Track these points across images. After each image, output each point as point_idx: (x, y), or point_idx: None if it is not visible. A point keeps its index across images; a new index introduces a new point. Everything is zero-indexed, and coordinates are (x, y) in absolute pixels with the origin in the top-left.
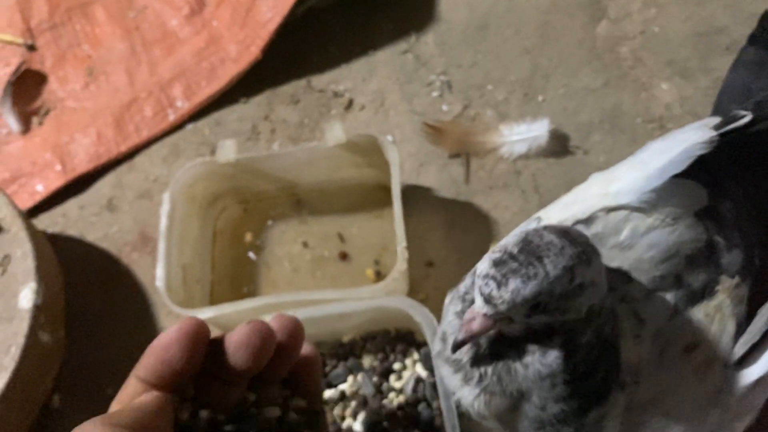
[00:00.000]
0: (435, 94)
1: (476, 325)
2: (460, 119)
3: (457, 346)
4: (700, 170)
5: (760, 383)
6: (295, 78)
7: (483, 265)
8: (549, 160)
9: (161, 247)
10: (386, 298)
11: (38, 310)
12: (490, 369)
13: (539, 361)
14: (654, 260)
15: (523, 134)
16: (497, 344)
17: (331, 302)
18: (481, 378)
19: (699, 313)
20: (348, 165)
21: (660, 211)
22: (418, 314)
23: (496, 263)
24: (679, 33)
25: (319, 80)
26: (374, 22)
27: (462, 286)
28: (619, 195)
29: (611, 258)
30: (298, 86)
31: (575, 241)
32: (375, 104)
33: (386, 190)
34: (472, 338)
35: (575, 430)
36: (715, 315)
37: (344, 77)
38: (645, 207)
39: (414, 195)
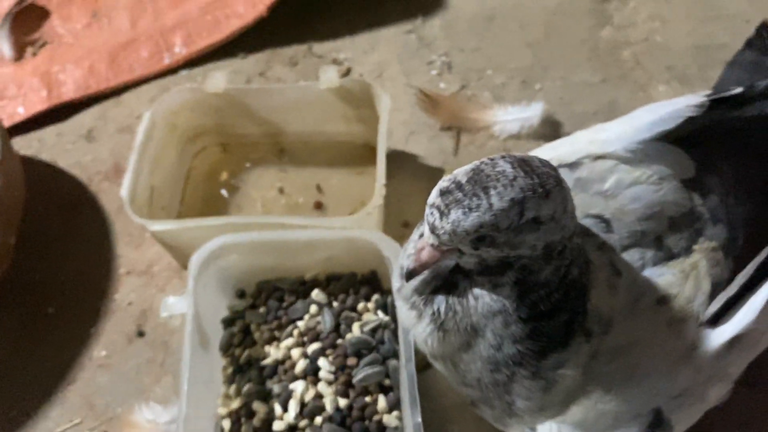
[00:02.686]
0: (434, 72)
1: (425, 255)
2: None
3: (408, 276)
4: (691, 146)
5: (735, 345)
6: (297, 42)
7: (432, 194)
8: (539, 142)
9: (133, 158)
10: (356, 230)
11: None
12: (443, 304)
13: (488, 295)
14: (636, 213)
15: (516, 115)
16: (453, 278)
17: (301, 229)
18: (434, 314)
19: (675, 268)
20: (337, 116)
21: (647, 167)
22: (388, 248)
23: (443, 192)
24: (681, 44)
25: (321, 47)
26: (383, 0)
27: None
28: (607, 143)
29: (593, 204)
30: (298, 50)
31: (532, 172)
32: (373, 75)
33: (372, 150)
34: (422, 268)
35: (532, 375)
36: (690, 272)
37: (346, 47)
38: (632, 158)
39: (400, 160)
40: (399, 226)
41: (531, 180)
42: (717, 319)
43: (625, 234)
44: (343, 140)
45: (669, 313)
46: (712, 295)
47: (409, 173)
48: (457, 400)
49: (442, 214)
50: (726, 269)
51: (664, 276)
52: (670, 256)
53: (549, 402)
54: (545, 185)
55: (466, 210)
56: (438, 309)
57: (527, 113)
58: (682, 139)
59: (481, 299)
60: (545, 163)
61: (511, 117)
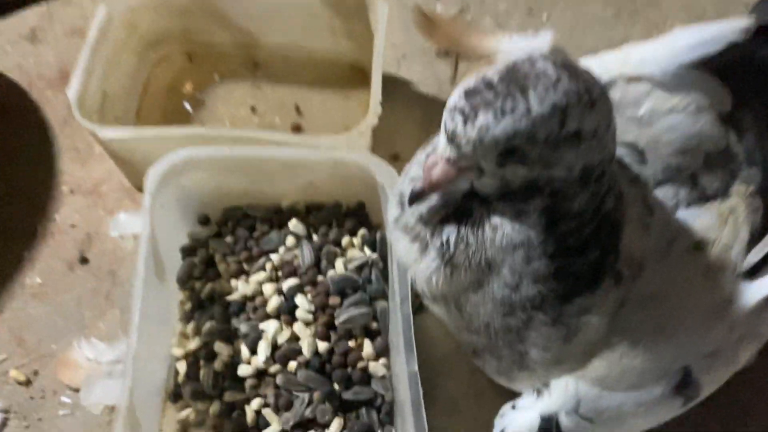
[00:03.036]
0: None
1: (438, 173)
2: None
3: (412, 199)
4: (724, 80)
5: None
6: None
7: (453, 96)
8: None
9: (84, 56)
10: (345, 151)
11: None
12: (454, 235)
13: (510, 225)
14: (673, 146)
15: (522, 44)
16: (466, 205)
17: (279, 147)
18: (443, 246)
19: (712, 211)
20: (323, 29)
21: (685, 95)
22: (383, 174)
23: (469, 92)
24: None
25: None
26: None
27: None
28: (642, 63)
29: (627, 131)
30: None
31: (578, 76)
32: None
33: (361, 72)
34: (432, 189)
35: (552, 321)
36: (728, 217)
37: None
38: (669, 83)
39: (391, 86)
40: (388, 158)
41: (576, 84)
42: (755, 272)
43: (660, 168)
44: (328, 57)
45: (705, 260)
46: (750, 245)
47: (401, 102)
48: (449, 350)
49: (466, 119)
50: (763, 217)
51: (700, 218)
52: (704, 197)
53: (568, 353)
54: (591, 93)
55: (498, 113)
56: (447, 240)
57: (534, 43)
58: (713, 71)
59: (501, 229)
60: (590, 71)
61: (516, 45)
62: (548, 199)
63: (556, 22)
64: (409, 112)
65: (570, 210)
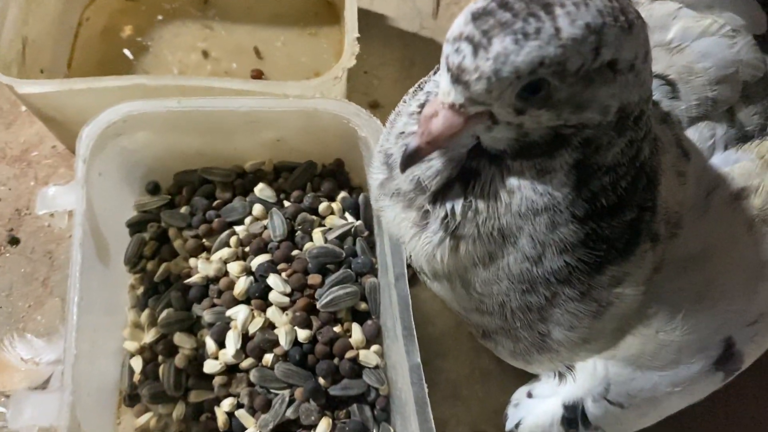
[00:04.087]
0: None
1: (439, 124)
2: None
3: (409, 159)
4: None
5: None
6: None
7: (457, 22)
8: None
9: None
10: (318, 100)
11: None
12: (460, 202)
13: (531, 186)
14: (708, 75)
15: None
16: (473, 164)
17: (238, 96)
18: (446, 217)
19: (752, 153)
20: None
21: (718, 14)
22: (365, 125)
23: (477, 16)
24: None
25: None
26: None
27: (429, 81)
28: None
29: (654, 60)
30: None
31: None
32: None
33: (329, 4)
34: (432, 146)
35: (581, 296)
36: None
37: None
38: (700, 1)
39: (364, 22)
40: (366, 106)
41: (610, 2)
42: None
43: (694, 101)
44: None
45: (748, 212)
46: None
47: (377, 41)
48: (448, 326)
49: (477, 47)
50: None
51: (740, 162)
52: (743, 136)
53: (598, 331)
54: (627, 13)
55: (519, 37)
56: (452, 209)
57: None
58: None
59: (519, 192)
60: None
61: None
62: (578, 152)
63: None
64: (387, 51)
65: (603, 163)
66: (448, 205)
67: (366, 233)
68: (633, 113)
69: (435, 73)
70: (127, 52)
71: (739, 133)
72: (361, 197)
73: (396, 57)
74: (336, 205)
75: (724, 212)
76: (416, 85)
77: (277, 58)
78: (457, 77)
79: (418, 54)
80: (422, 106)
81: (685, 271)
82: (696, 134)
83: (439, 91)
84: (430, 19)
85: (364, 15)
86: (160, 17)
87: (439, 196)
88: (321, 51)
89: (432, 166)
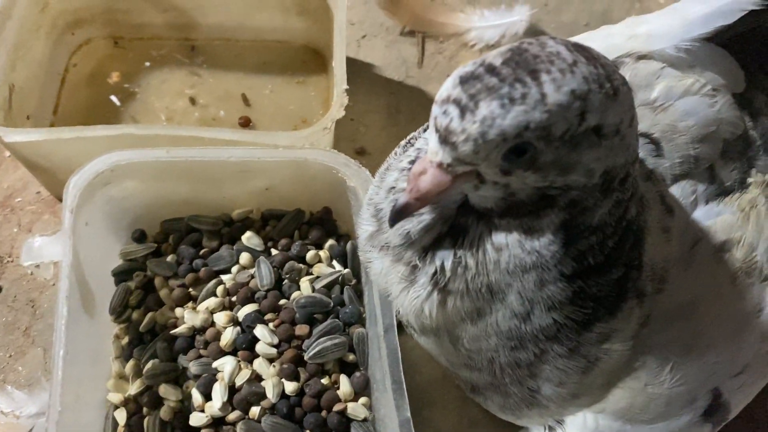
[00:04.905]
0: None
1: (428, 182)
2: None
3: (398, 215)
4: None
5: None
6: None
7: (446, 85)
8: None
9: None
10: (307, 150)
11: None
12: (450, 258)
13: (519, 244)
14: (691, 133)
15: (496, 20)
16: (461, 220)
17: (228, 146)
18: (436, 273)
19: (732, 207)
20: (271, 4)
21: (699, 74)
22: (354, 175)
23: (465, 79)
24: None
25: None
26: None
27: (419, 138)
28: (651, 39)
29: (639, 118)
30: None
31: (596, 59)
32: None
33: (317, 53)
34: (421, 202)
35: (569, 352)
36: (750, 211)
37: None
38: (682, 60)
39: (351, 70)
40: (352, 154)
41: (596, 69)
42: None
43: (677, 160)
44: (278, 38)
45: (732, 264)
46: None
47: (364, 88)
48: (435, 375)
49: (464, 110)
50: None
51: (721, 215)
52: (723, 191)
53: (587, 386)
54: (613, 80)
55: (506, 101)
56: (442, 265)
57: (510, 18)
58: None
59: (507, 250)
60: (604, 56)
61: (490, 23)
62: (564, 213)
63: None
64: (374, 99)
65: (590, 223)
66: (438, 261)
67: (354, 281)
68: (618, 176)
69: (425, 129)
70: (114, 98)
71: (719, 188)
72: (348, 245)
73: (382, 104)
74: (324, 253)
75: (708, 265)
76: (406, 140)
77: (265, 106)
78: (445, 138)
79: (403, 102)
80: (413, 162)
81: (672, 324)
82: (678, 190)
83: (428, 148)
84: (416, 68)
85: (351, 63)
86: (147, 63)
87: (429, 251)
88: (309, 99)
89: (422, 222)
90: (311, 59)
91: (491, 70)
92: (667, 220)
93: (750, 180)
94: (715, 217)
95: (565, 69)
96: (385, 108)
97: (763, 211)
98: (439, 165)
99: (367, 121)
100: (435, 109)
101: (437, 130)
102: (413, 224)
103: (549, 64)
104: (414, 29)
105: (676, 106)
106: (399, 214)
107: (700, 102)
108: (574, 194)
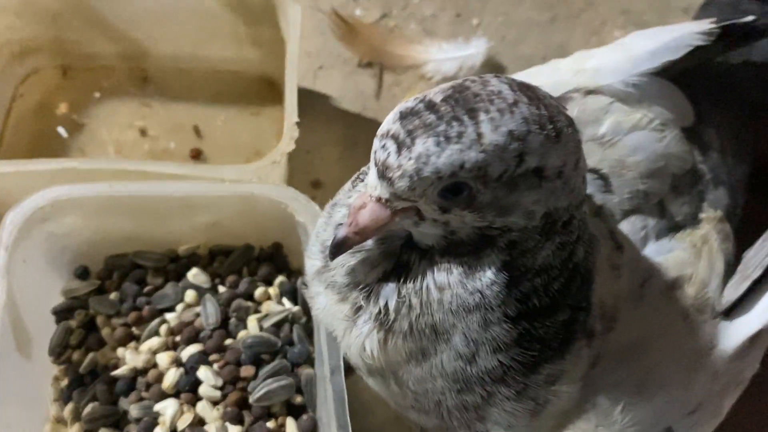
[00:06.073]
0: None
1: (366, 216)
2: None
3: (335, 250)
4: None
5: (756, 342)
6: None
7: (386, 120)
8: None
9: None
10: (256, 184)
11: None
12: (394, 297)
13: (461, 284)
14: (639, 168)
15: (453, 53)
16: (405, 258)
17: (174, 180)
18: (380, 313)
19: (684, 243)
20: (225, 35)
21: (647, 109)
22: (303, 210)
23: (405, 114)
24: None
25: None
26: None
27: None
28: (599, 74)
29: (587, 154)
30: None
31: (539, 100)
32: None
33: (271, 84)
34: (359, 237)
35: (517, 395)
36: (701, 248)
37: None
38: (630, 95)
39: (307, 101)
40: (308, 185)
41: (537, 110)
42: (732, 310)
43: (626, 195)
44: (231, 69)
45: (683, 302)
46: (725, 278)
47: (320, 120)
48: (386, 417)
49: (400, 146)
50: (733, 244)
51: (673, 252)
52: (674, 226)
53: (537, 429)
54: (556, 122)
55: (441, 139)
56: (386, 305)
57: (467, 51)
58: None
59: (449, 290)
60: (551, 96)
61: (447, 55)
62: (504, 254)
63: (488, 28)
64: (330, 131)
65: (532, 265)
66: (382, 301)
67: (304, 320)
68: (561, 218)
69: None
70: (61, 129)
71: (670, 223)
72: (299, 282)
73: (338, 137)
74: (273, 290)
75: (659, 302)
76: (355, 176)
77: (218, 137)
78: (383, 173)
79: (360, 134)
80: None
81: (622, 363)
82: (628, 227)
83: (368, 182)
84: (373, 100)
85: (307, 94)
86: (97, 94)
87: (375, 290)
88: (263, 130)
89: (368, 259)
90: (266, 90)
91: (431, 106)
92: (617, 257)
93: (702, 215)
94: (667, 253)
95: (504, 109)
96: (342, 140)
97: (715, 246)
98: (378, 200)
99: (323, 153)
100: (375, 143)
101: (376, 165)
102: (356, 259)
103: (488, 104)
104: (371, 60)
105: (624, 141)
106: (338, 247)
107: (648, 137)
108: (514, 235)
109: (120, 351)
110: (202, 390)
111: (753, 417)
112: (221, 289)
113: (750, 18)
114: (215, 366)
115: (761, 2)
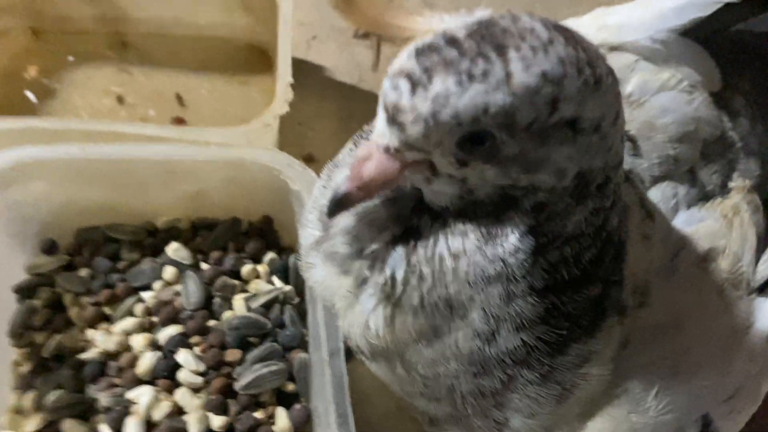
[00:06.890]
0: None
1: (371, 168)
2: None
3: (336, 206)
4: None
5: None
6: None
7: (400, 57)
8: None
9: None
10: (248, 148)
11: None
12: (402, 266)
13: (479, 250)
14: (669, 132)
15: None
16: (416, 221)
17: (154, 144)
18: (386, 283)
19: (715, 213)
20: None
21: (675, 68)
22: (298, 177)
23: (421, 51)
24: None
25: None
26: None
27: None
28: (623, 29)
29: None
30: None
31: (577, 43)
32: None
33: (262, 52)
34: (363, 192)
35: (541, 379)
36: (733, 219)
37: None
38: (657, 53)
39: (300, 72)
40: (300, 159)
41: (575, 52)
42: (766, 285)
43: (656, 160)
44: (219, 35)
45: (717, 275)
46: (758, 252)
47: (314, 92)
48: (388, 408)
49: (415, 86)
50: (763, 217)
51: (704, 222)
52: (704, 195)
53: (562, 417)
54: (595, 67)
55: (464, 78)
56: (393, 276)
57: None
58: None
59: (465, 258)
60: (591, 41)
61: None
62: (530, 218)
63: (492, 1)
64: (324, 103)
65: (562, 232)
66: (388, 270)
67: (296, 300)
68: (596, 180)
69: None
70: (29, 94)
71: (700, 192)
72: (291, 259)
73: (333, 109)
74: (262, 268)
75: (692, 276)
76: (357, 134)
77: (202, 107)
78: (393, 117)
79: (357, 107)
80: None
81: (655, 343)
82: (658, 194)
83: (374, 131)
84: (370, 72)
85: (300, 64)
86: (71, 58)
87: (380, 256)
88: (251, 101)
89: (373, 222)
90: (255, 59)
91: (452, 42)
92: (648, 226)
93: (732, 185)
94: (697, 224)
95: (537, 47)
96: (337, 113)
97: (746, 218)
98: (386, 149)
99: (316, 126)
100: (385, 84)
101: (385, 108)
102: (360, 222)
103: (520, 40)
104: (369, 32)
105: (652, 101)
106: (339, 204)
107: (677, 98)
108: (541, 196)
109: (89, 333)
110: (182, 376)
111: None
112: (204, 266)
113: None
114: (196, 349)
115: None
